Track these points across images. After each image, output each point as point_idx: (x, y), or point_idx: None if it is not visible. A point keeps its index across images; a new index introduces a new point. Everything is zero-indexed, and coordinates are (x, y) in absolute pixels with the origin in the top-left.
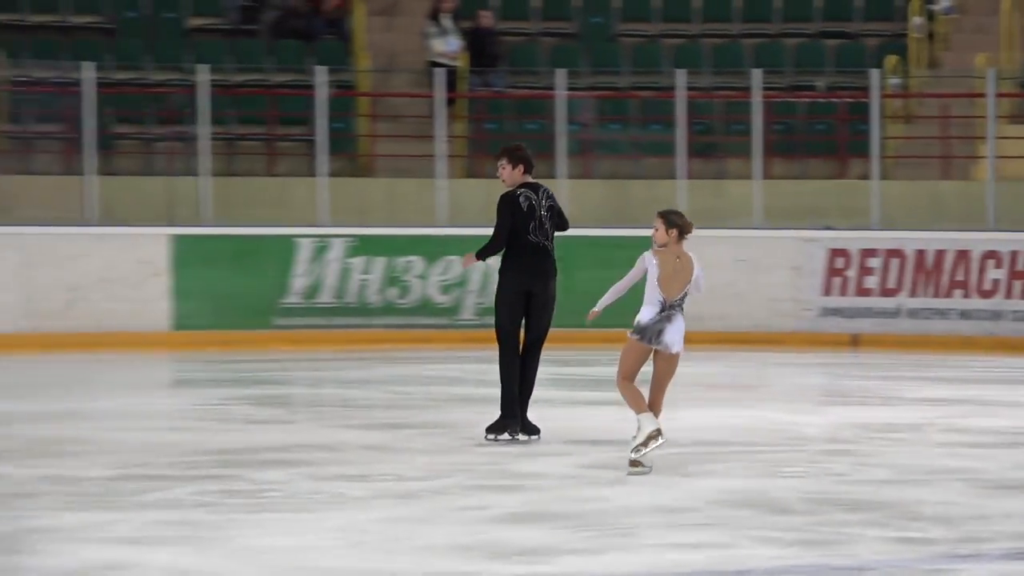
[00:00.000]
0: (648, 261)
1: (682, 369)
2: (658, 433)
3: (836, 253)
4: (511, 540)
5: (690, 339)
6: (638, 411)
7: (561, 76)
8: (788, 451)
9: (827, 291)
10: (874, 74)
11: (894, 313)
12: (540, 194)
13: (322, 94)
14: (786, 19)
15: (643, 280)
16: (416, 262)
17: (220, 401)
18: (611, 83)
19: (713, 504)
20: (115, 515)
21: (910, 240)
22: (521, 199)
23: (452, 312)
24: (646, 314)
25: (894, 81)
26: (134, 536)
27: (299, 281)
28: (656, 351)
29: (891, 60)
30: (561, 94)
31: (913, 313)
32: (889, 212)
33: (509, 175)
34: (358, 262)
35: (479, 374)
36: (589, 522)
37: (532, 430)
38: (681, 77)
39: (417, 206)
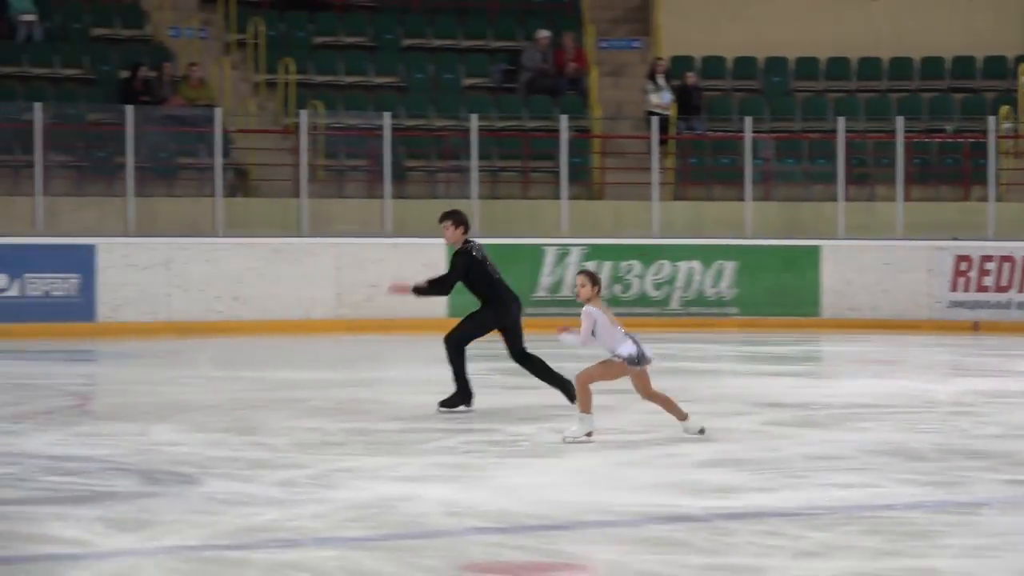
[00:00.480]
0: (595, 314)
1: (842, 347)
2: (591, 433)
3: (961, 258)
4: (706, 480)
5: (849, 325)
6: (586, 411)
7: (748, 122)
8: (923, 412)
9: (954, 288)
10: (991, 120)
11: (1006, 305)
12: (479, 245)
13: (564, 136)
14: (923, 78)
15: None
16: (635, 265)
17: (483, 372)
18: (787, 127)
19: (864, 453)
20: (402, 459)
21: (1018, 248)
22: (474, 251)
23: (663, 304)
24: (628, 348)
25: (1006, 125)
26: (416, 475)
27: (545, 280)
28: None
29: (1004, 110)
30: (748, 136)
31: (1021, 304)
32: (1002, 227)
33: (452, 234)
34: (591, 265)
35: (685, 352)
36: (767, 466)
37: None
38: (841, 123)
39: (636, 222)
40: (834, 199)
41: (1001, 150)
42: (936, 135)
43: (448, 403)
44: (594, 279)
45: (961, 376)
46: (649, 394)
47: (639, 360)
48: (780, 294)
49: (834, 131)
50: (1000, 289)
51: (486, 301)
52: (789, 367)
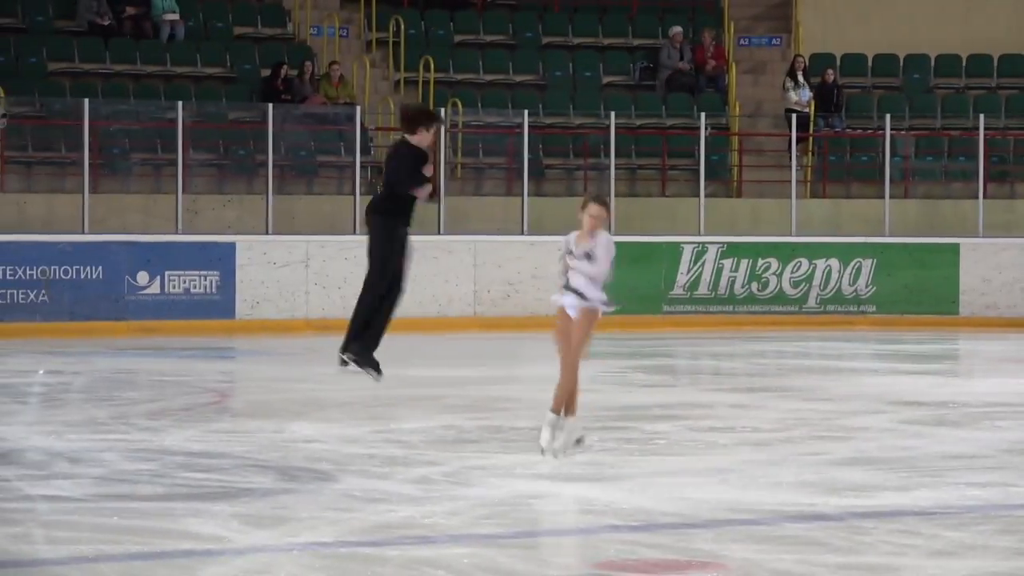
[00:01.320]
0: (610, 243)
1: (980, 346)
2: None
3: None
4: (843, 479)
5: (987, 323)
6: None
7: (887, 120)
8: None
9: None
10: None
11: None
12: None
13: (703, 134)
14: None
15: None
16: (772, 262)
17: (620, 369)
18: (926, 125)
19: (1002, 452)
20: (537, 457)
21: None
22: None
23: (800, 302)
24: (597, 291)
25: None
26: (551, 473)
27: (683, 278)
28: None
29: None
30: (887, 133)
31: None
32: None
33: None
34: (728, 263)
35: (820, 350)
36: (904, 465)
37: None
38: (981, 120)
39: (774, 220)
40: (973, 197)
41: None
42: None
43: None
44: (603, 202)
45: None
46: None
47: (607, 304)
48: (918, 292)
49: (974, 128)
50: None
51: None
52: (926, 366)
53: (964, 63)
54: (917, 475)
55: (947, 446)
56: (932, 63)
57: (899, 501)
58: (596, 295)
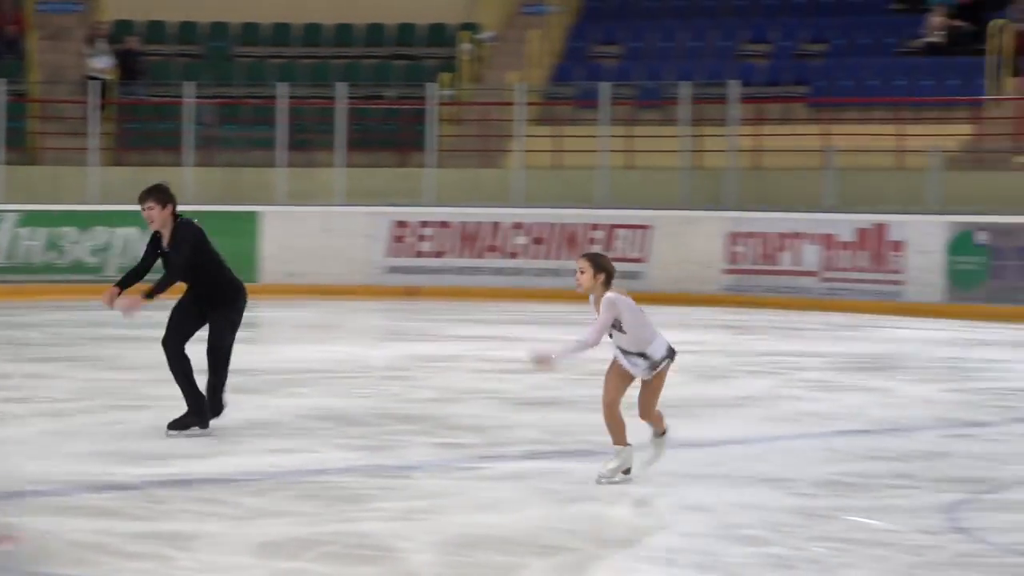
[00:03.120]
0: (620, 303)
1: (281, 313)
2: (629, 471)
3: (399, 224)
4: (142, 448)
5: (288, 291)
6: (622, 443)
7: (190, 87)
8: (358, 376)
9: (391, 253)
10: (431, 87)
11: (442, 270)
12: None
13: (1, 101)
14: (366, 44)
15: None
16: (71, 231)
17: None
18: (228, 93)
19: (300, 418)
20: None
21: (456, 214)
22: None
23: (98, 270)
24: (662, 344)
25: (447, 92)
26: None
27: None
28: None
29: (445, 77)
30: (189, 101)
31: (457, 270)
32: (441, 193)
33: (159, 215)
34: (25, 231)
35: (118, 319)
36: (203, 433)
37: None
38: (283, 88)
39: (74, 187)
40: (274, 165)
41: (442, 117)
42: (377, 101)
43: (178, 424)
44: (598, 264)
45: (396, 341)
46: (653, 406)
47: (670, 354)
48: None
49: (275, 97)
50: (437, 254)
51: (229, 288)
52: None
53: (266, 32)
54: (218, 443)
55: (247, 413)
56: (234, 31)
57: (200, 469)
58: (655, 351)
